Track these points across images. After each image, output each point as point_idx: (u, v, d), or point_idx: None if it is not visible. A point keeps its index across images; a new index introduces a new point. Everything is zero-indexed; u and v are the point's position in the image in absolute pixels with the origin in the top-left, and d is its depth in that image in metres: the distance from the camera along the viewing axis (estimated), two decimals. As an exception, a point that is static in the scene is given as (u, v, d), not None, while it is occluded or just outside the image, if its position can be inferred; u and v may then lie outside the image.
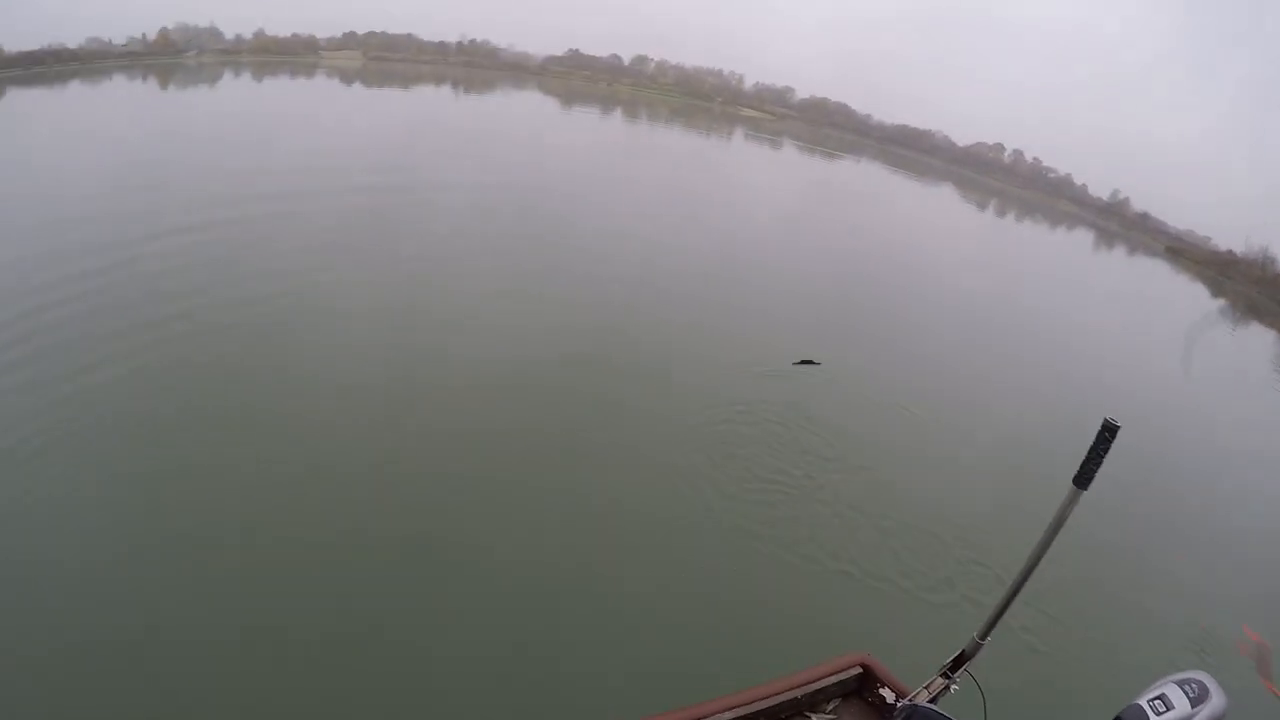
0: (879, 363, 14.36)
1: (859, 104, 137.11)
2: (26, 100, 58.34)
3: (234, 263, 14.82)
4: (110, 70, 77.83)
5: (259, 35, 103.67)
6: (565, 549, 8.32)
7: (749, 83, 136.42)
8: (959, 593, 8.70)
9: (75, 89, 64.96)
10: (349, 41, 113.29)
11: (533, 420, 10.41)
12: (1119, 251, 77.31)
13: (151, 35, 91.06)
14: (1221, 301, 62.83)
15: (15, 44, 74.73)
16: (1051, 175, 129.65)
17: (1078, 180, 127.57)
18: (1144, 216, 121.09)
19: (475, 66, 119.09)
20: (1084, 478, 2.64)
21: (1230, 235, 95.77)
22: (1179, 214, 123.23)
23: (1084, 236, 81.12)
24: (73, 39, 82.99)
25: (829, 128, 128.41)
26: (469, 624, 7.18)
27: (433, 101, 75.24)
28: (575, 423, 10.48)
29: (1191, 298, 60.94)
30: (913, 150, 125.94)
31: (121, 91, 68.05)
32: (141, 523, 7.59)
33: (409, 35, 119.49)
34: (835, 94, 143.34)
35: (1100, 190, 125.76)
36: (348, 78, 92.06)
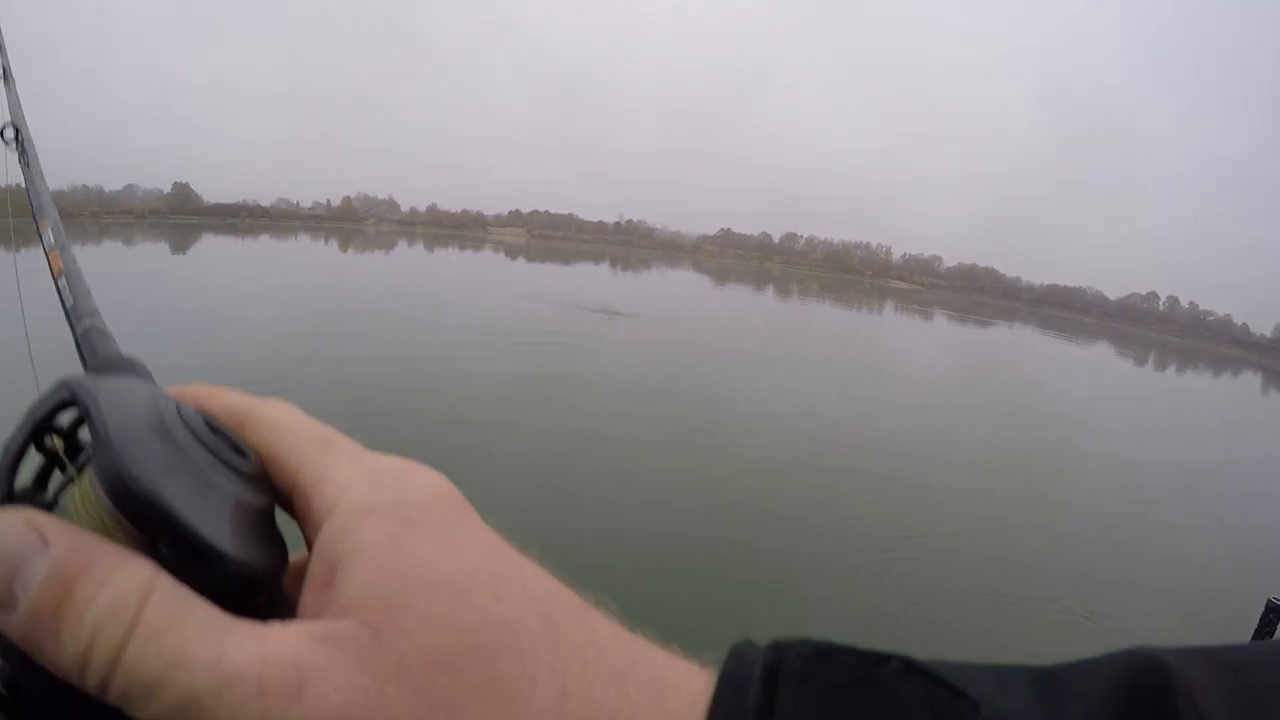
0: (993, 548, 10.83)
1: (1007, 266, 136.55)
2: (220, 246, 54.37)
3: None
4: (296, 230, 76.42)
5: (432, 209, 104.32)
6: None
7: (897, 254, 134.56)
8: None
9: (265, 241, 61.46)
10: (514, 219, 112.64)
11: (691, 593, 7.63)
12: (1291, 390, 62.02)
13: (335, 201, 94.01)
14: None
15: (213, 196, 76.64)
16: (1210, 319, 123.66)
17: (1238, 320, 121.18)
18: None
19: (632, 245, 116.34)
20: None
21: None
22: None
23: (1250, 381, 67.42)
24: (265, 198, 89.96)
25: (978, 294, 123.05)
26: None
27: (592, 275, 70.01)
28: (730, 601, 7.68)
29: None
30: (1065, 310, 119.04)
31: (306, 249, 63.45)
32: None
33: (570, 215, 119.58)
34: (983, 258, 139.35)
35: (1263, 327, 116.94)
36: (513, 252, 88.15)
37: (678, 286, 72.65)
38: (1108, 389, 39.46)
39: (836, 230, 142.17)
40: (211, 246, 52.38)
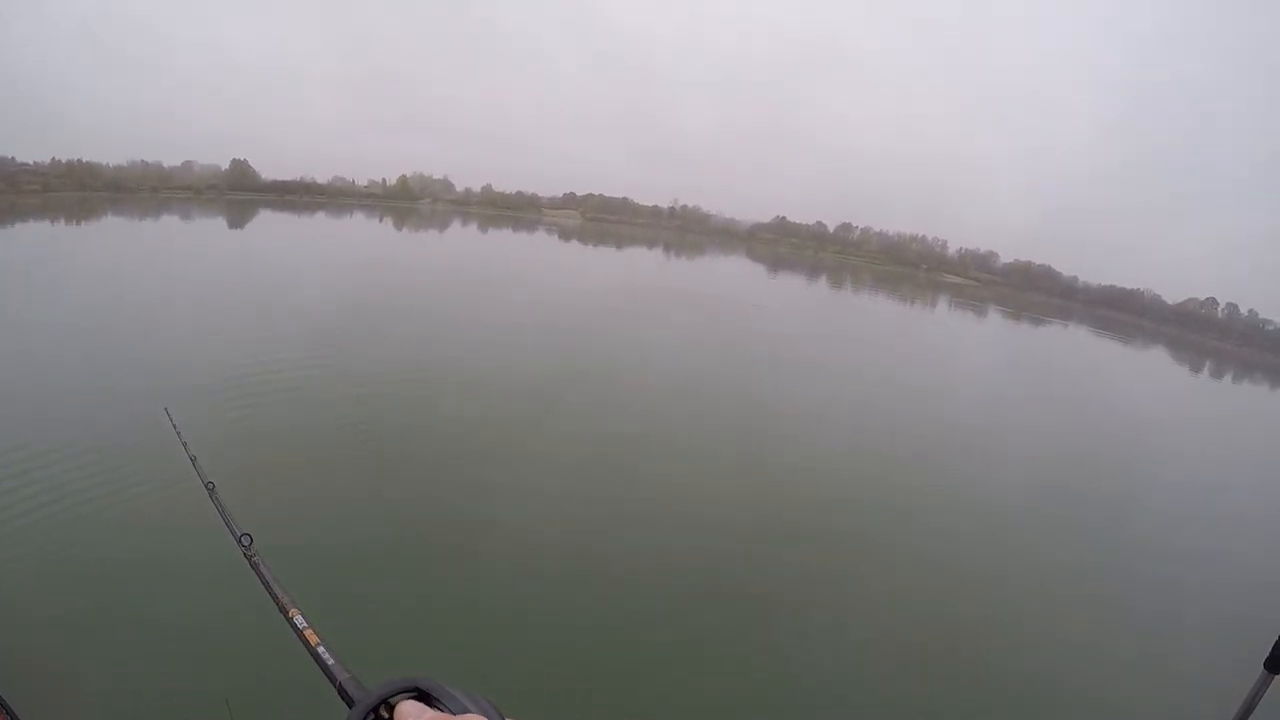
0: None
1: (1064, 265, 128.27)
2: (277, 221, 54.55)
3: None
4: (352, 207, 77.27)
5: (486, 189, 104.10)
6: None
7: (953, 248, 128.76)
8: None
9: (320, 219, 61.57)
10: (569, 201, 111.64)
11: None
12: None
13: (391, 180, 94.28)
14: None
15: (270, 173, 76.88)
16: (1269, 328, 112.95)
17: None
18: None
19: (686, 230, 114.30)
20: (1277, 661, 2.42)
21: None
22: None
23: None
24: (321, 176, 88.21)
25: (1034, 292, 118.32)
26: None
27: (645, 260, 68.48)
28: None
29: None
30: (1121, 312, 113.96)
31: (363, 226, 62.99)
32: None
33: (625, 199, 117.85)
34: (1040, 255, 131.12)
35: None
36: (566, 235, 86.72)
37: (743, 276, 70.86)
38: (1163, 399, 38.00)
39: (892, 223, 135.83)
40: (271, 222, 52.31)
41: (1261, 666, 2.38)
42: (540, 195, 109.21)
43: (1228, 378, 62.94)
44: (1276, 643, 2.31)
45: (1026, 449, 20.20)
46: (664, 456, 14.40)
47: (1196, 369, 63.46)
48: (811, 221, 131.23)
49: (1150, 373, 51.88)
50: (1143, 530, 15.22)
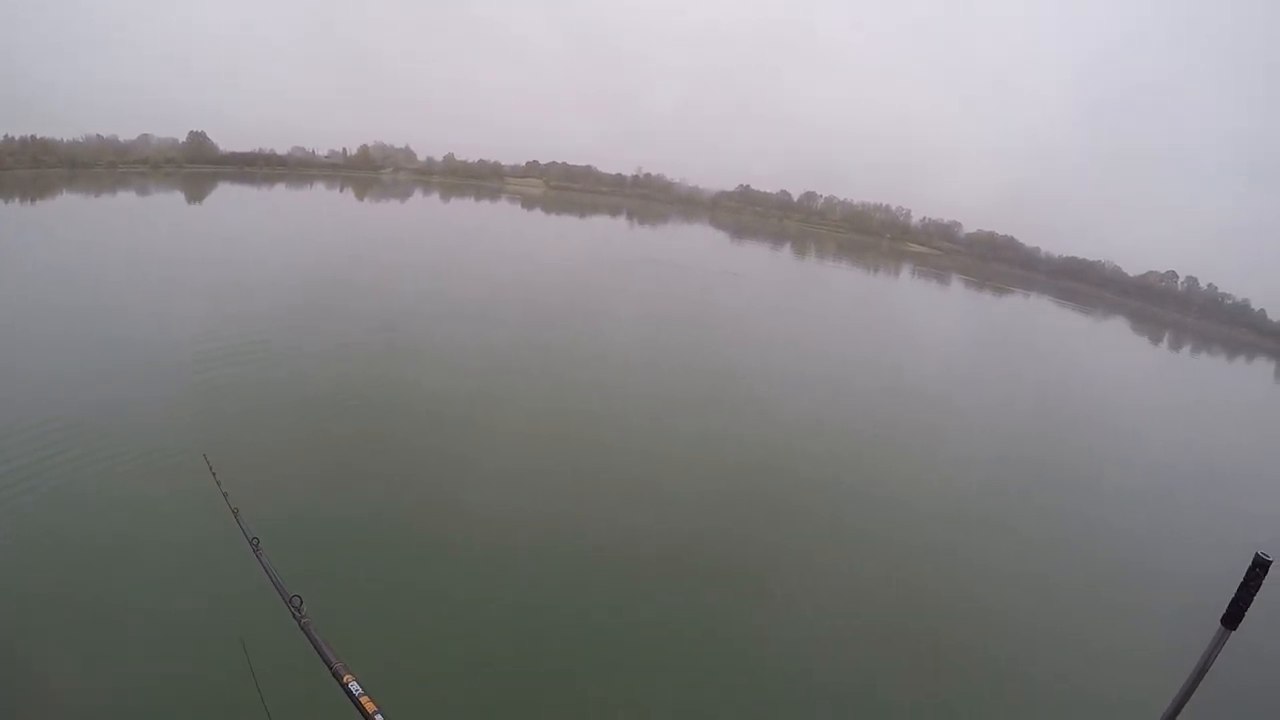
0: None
1: (1027, 237, 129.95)
2: (236, 193, 54.18)
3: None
4: (313, 178, 76.15)
5: (449, 159, 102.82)
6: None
7: (916, 218, 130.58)
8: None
9: (280, 190, 61.21)
10: (531, 170, 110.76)
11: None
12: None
13: (352, 150, 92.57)
14: None
15: (229, 145, 75.29)
16: (1228, 302, 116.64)
17: (1255, 306, 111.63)
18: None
19: (650, 199, 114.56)
20: (1233, 617, 2.45)
21: None
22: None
23: (1264, 367, 65.80)
24: (281, 146, 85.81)
25: (996, 262, 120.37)
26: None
27: (610, 228, 69.51)
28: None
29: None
30: (1082, 283, 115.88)
31: (323, 197, 62.74)
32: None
33: (588, 167, 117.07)
34: (1003, 227, 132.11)
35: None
36: (530, 203, 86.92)
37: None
38: (1122, 369, 40.23)
39: (856, 192, 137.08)
40: (231, 192, 52.17)
41: (1219, 623, 2.47)
42: (503, 163, 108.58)
43: (1185, 349, 65.56)
44: (1232, 600, 2.41)
45: (994, 423, 21.17)
46: (642, 433, 14.92)
47: (1156, 340, 66.31)
48: (776, 190, 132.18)
49: (1112, 345, 53.91)
50: (1106, 499, 16.10)
